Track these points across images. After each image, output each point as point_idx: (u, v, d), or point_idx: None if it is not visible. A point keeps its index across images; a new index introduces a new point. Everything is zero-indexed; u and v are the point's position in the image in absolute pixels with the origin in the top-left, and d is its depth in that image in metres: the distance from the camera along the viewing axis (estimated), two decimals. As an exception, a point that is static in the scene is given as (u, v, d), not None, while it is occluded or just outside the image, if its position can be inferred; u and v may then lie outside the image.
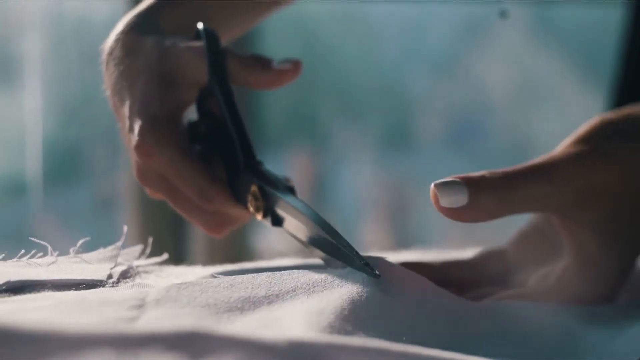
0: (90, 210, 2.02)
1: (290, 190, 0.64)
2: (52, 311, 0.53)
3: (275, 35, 1.89)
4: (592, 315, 0.57)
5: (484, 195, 0.56)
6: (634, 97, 1.05)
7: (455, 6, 2.10)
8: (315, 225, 0.58)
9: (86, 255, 0.69)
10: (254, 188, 0.64)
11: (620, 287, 0.59)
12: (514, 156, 2.13)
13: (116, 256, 0.69)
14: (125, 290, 0.59)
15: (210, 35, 0.68)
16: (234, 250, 1.87)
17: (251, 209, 0.65)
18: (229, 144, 0.68)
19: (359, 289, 0.51)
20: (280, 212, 0.63)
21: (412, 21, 2.10)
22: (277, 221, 0.64)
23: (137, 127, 0.66)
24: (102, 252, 0.70)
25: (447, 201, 0.54)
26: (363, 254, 0.56)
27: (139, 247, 0.71)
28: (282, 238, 2.19)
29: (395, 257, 0.71)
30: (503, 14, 1.72)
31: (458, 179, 0.56)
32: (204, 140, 0.70)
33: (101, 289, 0.63)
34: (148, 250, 0.72)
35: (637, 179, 0.59)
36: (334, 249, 0.56)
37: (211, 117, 0.70)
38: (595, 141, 0.61)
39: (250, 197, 0.65)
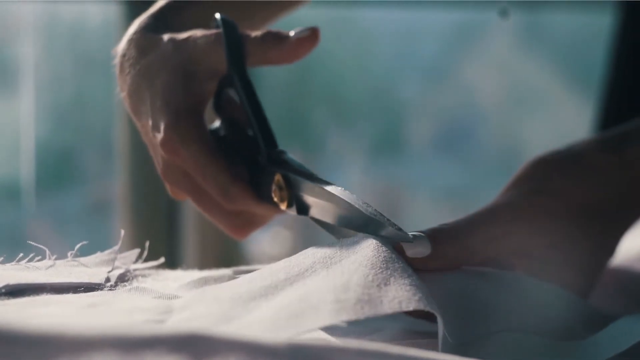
0: (84, 215, 2.03)
1: (315, 177, 0.63)
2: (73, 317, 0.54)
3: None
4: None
5: (444, 245, 0.57)
6: (622, 102, 1.06)
7: (447, 12, 2.11)
8: (348, 199, 0.57)
9: (84, 259, 0.70)
10: (277, 177, 0.64)
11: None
12: (505, 161, 2.14)
13: (113, 260, 0.70)
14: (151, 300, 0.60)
15: (228, 24, 0.67)
16: (227, 254, 1.87)
17: (275, 199, 0.64)
18: (249, 137, 0.67)
19: (374, 251, 0.52)
20: (307, 197, 0.62)
21: (404, 27, 2.11)
22: (303, 209, 0.62)
23: (162, 123, 0.66)
24: (99, 256, 0.70)
25: (411, 252, 0.55)
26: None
27: (135, 251, 0.71)
28: (273, 241, 2.20)
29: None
30: (503, 13, 1.71)
31: (421, 234, 0.57)
32: (224, 143, 0.69)
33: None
34: (145, 254, 0.73)
35: (580, 205, 0.62)
36: (366, 224, 0.56)
37: (229, 120, 0.70)
38: (533, 180, 0.63)
39: (274, 187, 0.64)
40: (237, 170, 0.67)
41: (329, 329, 0.57)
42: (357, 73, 2.14)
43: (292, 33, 0.67)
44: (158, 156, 0.68)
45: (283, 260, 0.56)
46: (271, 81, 2.05)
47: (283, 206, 0.64)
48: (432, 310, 0.50)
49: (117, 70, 0.70)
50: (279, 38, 0.66)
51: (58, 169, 2.01)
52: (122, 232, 0.72)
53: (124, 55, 0.69)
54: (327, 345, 0.43)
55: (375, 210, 0.56)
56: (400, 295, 0.50)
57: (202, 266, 0.83)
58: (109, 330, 0.38)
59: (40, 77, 1.92)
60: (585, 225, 0.62)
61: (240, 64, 0.66)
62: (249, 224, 0.69)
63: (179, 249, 1.85)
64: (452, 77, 2.17)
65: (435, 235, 0.58)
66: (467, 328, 0.53)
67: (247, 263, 1.61)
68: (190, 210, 1.79)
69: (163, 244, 1.82)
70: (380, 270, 0.51)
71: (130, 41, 0.69)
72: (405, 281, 0.50)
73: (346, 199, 0.57)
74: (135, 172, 1.80)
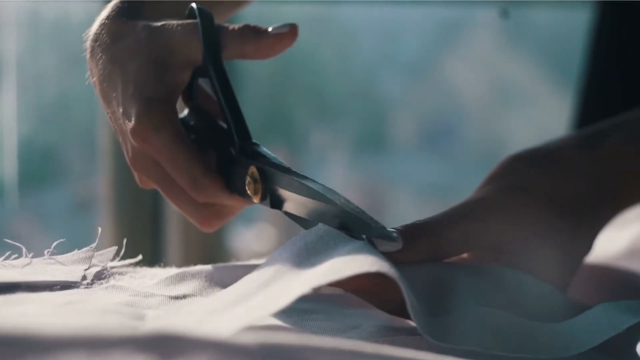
0: (67, 212, 2.03)
1: (292, 171, 0.62)
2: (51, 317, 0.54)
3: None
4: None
5: (418, 240, 0.57)
6: (598, 100, 1.06)
7: (430, 10, 2.11)
8: (324, 195, 0.57)
9: (60, 257, 0.70)
10: (252, 170, 0.63)
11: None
12: (487, 157, 2.15)
13: (90, 257, 0.70)
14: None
15: (204, 14, 0.66)
16: (211, 251, 1.87)
17: (249, 192, 0.63)
18: (221, 129, 0.67)
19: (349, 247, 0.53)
20: (282, 191, 0.61)
21: (386, 24, 2.12)
22: (277, 203, 0.62)
23: (133, 111, 0.65)
24: (76, 254, 0.70)
25: (383, 247, 0.56)
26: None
27: (113, 249, 0.71)
28: (257, 238, 2.20)
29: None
30: (504, 14, 1.71)
31: (393, 229, 0.58)
32: (194, 133, 0.69)
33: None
34: (122, 252, 0.72)
35: (554, 200, 0.62)
36: (343, 220, 0.56)
37: (199, 110, 0.69)
38: (508, 176, 0.63)
39: (248, 180, 0.63)
40: (207, 160, 0.66)
41: (304, 328, 0.57)
42: (340, 70, 2.14)
43: (270, 29, 0.66)
44: (127, 144, 0.67)
45: (256, 269, 0.56)
46: (255, 78, 2.05)
47: (256, 199, 0.63)
48: (393, 276, 0.50)
49: (87, 54, 0.68)
50: (257, 33, 0.66)
51: (41, 166, 2.01)
52: (99, 229, 0.72)
53: (95, 40, 0.67)
54: (301, 344, 0.43)
55: (357, 207, 0.56)
56: (363, 262, 0.50)
57: (186, 264, 0.82)
58: (78, 330, 0.38)
59: (23, 75, 1.91)
60: (559, 220, 0.62)
61: (216, 55, 0.66)
62: (217, 215, 0.68)
63: (163, 247, 1.85)
64: (435, 74, 2.17)
65: (408, 231, 0.58)
66: (436, 305, 0.53)
67: (230, 259, 1.61)
68: (174, 208, 1.78)
69: (146, 242, 1.82)
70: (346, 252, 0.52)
71: (103, 26, 0.67)
72: (372, 253, 0.51)
73: (328, 195, 0.57)
74: (119, 170, 1.80)
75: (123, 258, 0.72)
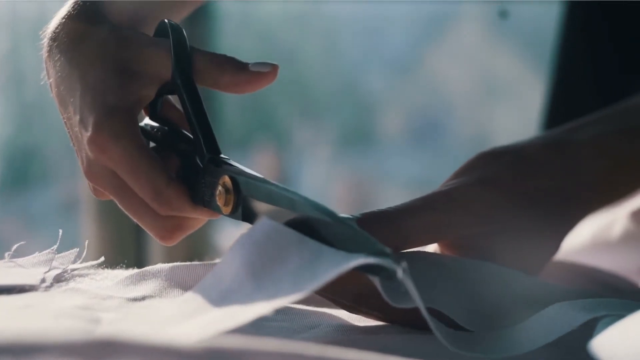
0: (51, 214, 2.02)
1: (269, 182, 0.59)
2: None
3: (233, 35, 1.88)
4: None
5: (376, 229, 0.56)
6: (568, 96, 1.06)
7: (414, 4, 2.10)
8: (308, 206, 0.54)
9: (21, 260, 0.69)
10: (225, 179, 0.60)
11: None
12: (474, 152, 2.13)
13: (51, 260, 0.69)
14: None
15: (176, 31, 0.64)
16: (195, 252, 1.86)
17: (219, 203, 0.60)
18: (185, 137, 0.65)
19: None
20: (257, 203, 0.58)
21: (371, 20, 2.11)
22: (250, 216, 0.59)
23: (91, 119, 0.62)
24: (37, 256, 0.69)
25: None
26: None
27: (74, 251, 0.70)
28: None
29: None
30: (503, 14, 1.70)
31: (350, 216, 0.56)
32: (154, 142, 0.67)
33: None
34: (84, 253, 0.71)
35: (520, 195, 0.62)
36: (324, 232, 0.53)
37: (163, 119, 0.67)
38: (474, 170, 0.62)
39: (219, 190, 0.60)
40: (170, 170, 0.64)
41: (261, 329, 0.56)
42: (326, 66, 2.14)
43: (250, 65, 0.64)
44: (82, 152, 0.65)
45: (210, 274, 0.55)
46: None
47: (226, 210, 0.60)
48: (363, 262, 0.48)
49: (44, 53, 0.66)
50: (237, 67, 0.64)
51: (24, 168, 2.00)
52: (60, 232, 0.71)
53: (53, 39, 0.65)
54: (245, 348, 0.42)
55: (345, 217, 0.54)
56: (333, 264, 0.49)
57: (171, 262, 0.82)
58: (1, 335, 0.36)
59: (3, 75, 1.90)
60: (525, 215, 0.61)
61: (187, 73, 0.64)
62: (179, 228, 0.65)
63: (147, 246, 1.84)
64: (421, 69, 2.16)
65: (366, 219, 0.57)
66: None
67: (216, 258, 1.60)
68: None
69: (131, 242, 1.81)
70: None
71: (62, 25, 0.65)
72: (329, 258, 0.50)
73: (313, 207, 0.54)
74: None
75: (108, 259, 0.71)
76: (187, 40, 0.65)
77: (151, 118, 0.68)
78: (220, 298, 0.52)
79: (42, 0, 1.90)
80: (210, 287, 0.54)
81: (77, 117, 0.63)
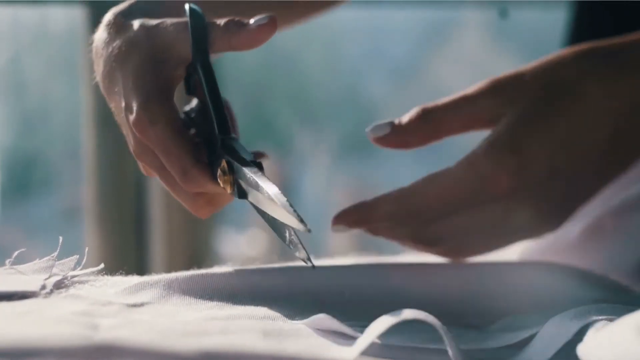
0: (52, 222, 2.02)
1: (256, 165, 0.66)
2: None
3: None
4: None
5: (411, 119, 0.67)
6: None
7: (415, 11, 2.10)
8: (270, 192, 0.62)
9: (21, 267, 0.69)
10: (223, 163, 0.67)
11: (568, 216, 0.67)
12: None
13: (51, 267, 0.69)
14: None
15: (194, 13, 0.71)
16: (196, 259, 1.87)
17: (221, 184, 0.67)
18: (209, 122, 0.70)
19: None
20: (244, 185, 0.66)
21: (372, 25, 2.11)
22: (242, 194, 0.67)
23: (134, 104, 0.69)
24: (37, 263, 0.70)
25: (373, 134, 0.68)
26: (326, 259, 0.57)
27: (74, 258, 0.71)
28: (247, 243, 2.19)
29: (358, 261, 0.74)
30: (503, 14, 1.71)
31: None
32: (193, 125, 0.73)
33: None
34: (84, 260, 0.72)
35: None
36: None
37: (200, 102, 0.73)
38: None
39: (219, 172, 0.68)
40: (201, 153, 0.70)
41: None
42: (326, 72, 2.14)
43: (252, 20, 0.71)
44: (130, 135, 0.72)
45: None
46: (240, 81, 2.04)
47: (228, 189, 0.67)
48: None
49: (93, 54, 0.74)
50: (240, 25, 0.70)
51: (25, 175, 2.00)
52: (61, 239, 0.71)
53: (99, 40, 0.73)
54: (241, 351, 0.42)
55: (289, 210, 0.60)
56: None
57: (171, 271, 0.82)
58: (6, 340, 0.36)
59: (4, 83, 1.90)
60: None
61: (204, 52, 0.70)
62: (209, 203, 0.72)
63: (148, 253, 1.84)
64: (421, 76, 2.17)
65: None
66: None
67: (217, 265, 1.60)
68: (158, 216, 1.78)
69: (132, 248, 1.81)
70: None
71: (105, 25, 0.73)
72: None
73: (268, 192, 0.62)
74: (103, 178, 1.79)
75: (108, 265, 0.72)
76: (205, 22, 0.71)
77: (189, 94, 0.74)
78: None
79: (43, 8, 1.91)
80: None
81: (123, 104, 0.71)
